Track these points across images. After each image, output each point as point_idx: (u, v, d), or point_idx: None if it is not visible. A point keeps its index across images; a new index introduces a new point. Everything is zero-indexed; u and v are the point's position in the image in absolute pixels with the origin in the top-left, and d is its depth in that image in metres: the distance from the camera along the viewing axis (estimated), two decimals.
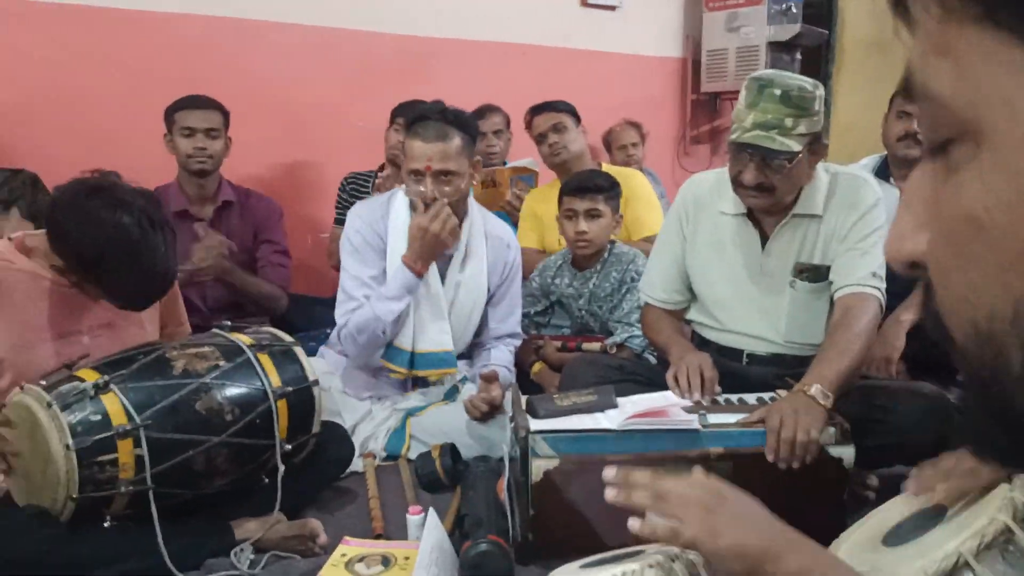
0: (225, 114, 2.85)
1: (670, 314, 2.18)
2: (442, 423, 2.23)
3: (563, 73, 4.08)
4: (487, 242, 2.40)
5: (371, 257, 2.31)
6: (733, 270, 2.06)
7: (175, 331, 2.11)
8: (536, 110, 3.13)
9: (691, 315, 2.19)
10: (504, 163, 3.63)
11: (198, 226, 2.71)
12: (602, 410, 1.74)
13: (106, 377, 1.59)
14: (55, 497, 1.52)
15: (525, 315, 2.68)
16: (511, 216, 3.33)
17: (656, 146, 4.40)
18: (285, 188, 3.44)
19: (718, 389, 1.88)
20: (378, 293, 2.26)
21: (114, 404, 1.57)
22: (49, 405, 1.53)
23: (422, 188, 2.18)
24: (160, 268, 1.75)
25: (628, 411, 1.70)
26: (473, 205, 2.39)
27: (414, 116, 2.25)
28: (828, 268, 1.97)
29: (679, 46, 4.69)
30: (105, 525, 1.57)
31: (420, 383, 2.39)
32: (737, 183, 1.92)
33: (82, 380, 1.59)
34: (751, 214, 2.02)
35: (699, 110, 4.76)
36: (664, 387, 1.88)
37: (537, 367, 2.57)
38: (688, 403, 1.79)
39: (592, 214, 2.52)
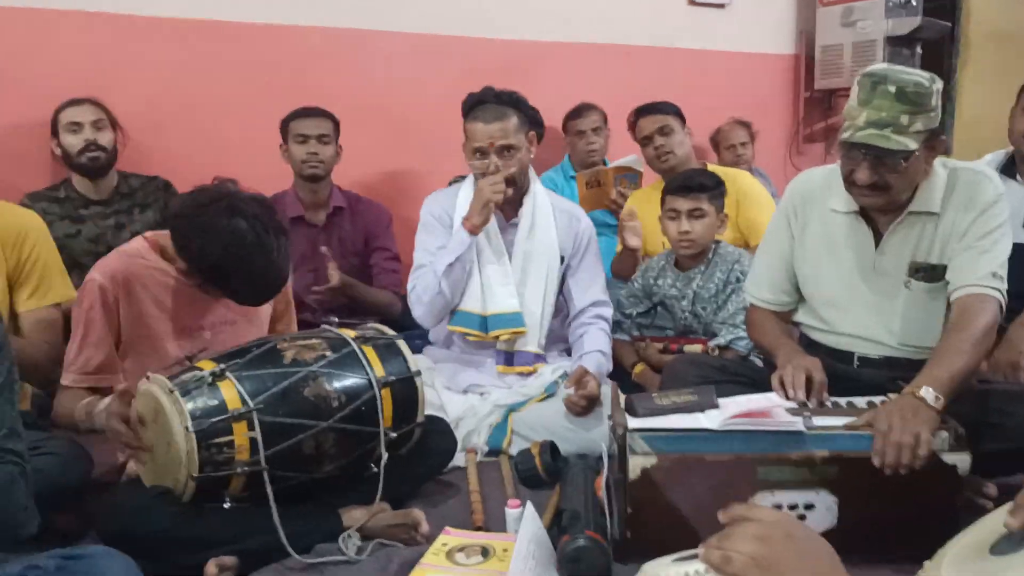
0: (335, 122, 2.99)
1: (777, 315, 2.13)
2: (543, 419, 2.26)
3: (668, 73, 4.04)
4: (555, 214, 2.52)
5: (439, 231, 2.50)
6: (844, 270, 1.99)
7: (284, 331, 2.22)
8: (641, 112, 3.10)
9: (799, 316, 2.14)
10: (605, 161, 3.63)
11: (324, 250, 2.84)
12: (702, 410, 1.72)
13: (222, 366, 1.69)
14: (177, 477, 1.62)
15: (627, 316, 2.67)
16: (616, 216, 3.32)
17: (767, 145, 4.30)
18: (393, 192, 3.54)
19: (826, 395, 1.82)
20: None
21: (230, 390, 1.66)
22: (171, 391, 1.63)
23: (487, 163, 2.38)
24: (273, 270, 1.85)
25: (729, 411, 1.68)
26: (535, 179, 2.53)
27: (471, 102, 2.44)
28: (945, 268, 1.88)
29: (792, 42, 4.57)
30: (224, 506, 1.66)
31: (508, 357, 2.45)
32: (850, 182, 1.86)
33: (201, 369, 1.69)
34: (864, 212, 1.95)
35: (812, 108, 4.62)
36: (769, 390, 1.84)
37: (638, 368, 2.56)
38: (793, 405, 1.75)
39: (695, 214, 2.48)
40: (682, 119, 3.06)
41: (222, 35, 3.24)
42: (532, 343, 2.46)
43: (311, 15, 3.39)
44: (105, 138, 2.82)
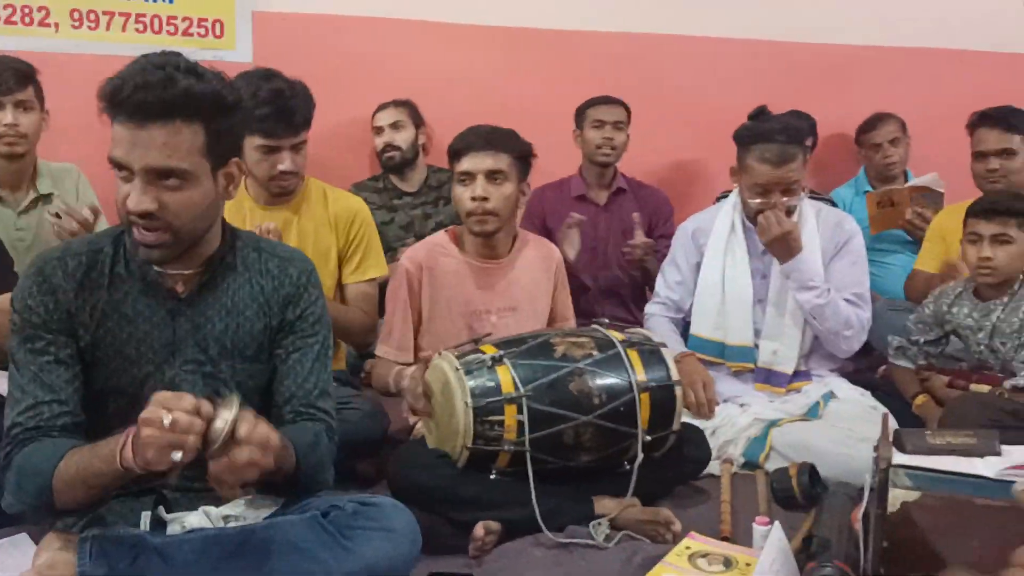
0: (628, 112, 3.10)
1: None
2: (806, 440, 2.21)
3: (1007, 81, 3.65)
4: (819, 226, 2.46)
5: (682, 261, 2.63)
6: None
7: (561, 323, 2.38)
8: (986, 121, 2.77)
9: None
10: (907, 174, 3.41)
11: (636, 216, 3.00)
12: (981, 455, 1.59)
13: (501, 352, 1.88)
14: (455, 444, 1.84)
15: (913, 343, 2.51)
16: (912, 235, 3.12)
17: None
18: (677, 183, 3.59)
19: None
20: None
21: (505, 375, 1.85)
22: (457, 369, 1.85)
23: (769, 202, 2.34)
24: None
25: (1013, 460, 1.55)
26: (802, 198, 2.44)
27: (752, 135, 2.35)
28: None
29: None
30: (491, 477, 1.85)
31: (766, 375, 2.43)
32: None
33: (483, 353, 1.90)
34: None
35: None
36: None
37: (920, 399, 2.39)
38: None
39: (1001, 239, 2.26)
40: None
41: (528, 41, 3.47)
42: (788, 364, 2.42)
43: (613, 22, 3.53)
44: (401, 138, 3.17)
